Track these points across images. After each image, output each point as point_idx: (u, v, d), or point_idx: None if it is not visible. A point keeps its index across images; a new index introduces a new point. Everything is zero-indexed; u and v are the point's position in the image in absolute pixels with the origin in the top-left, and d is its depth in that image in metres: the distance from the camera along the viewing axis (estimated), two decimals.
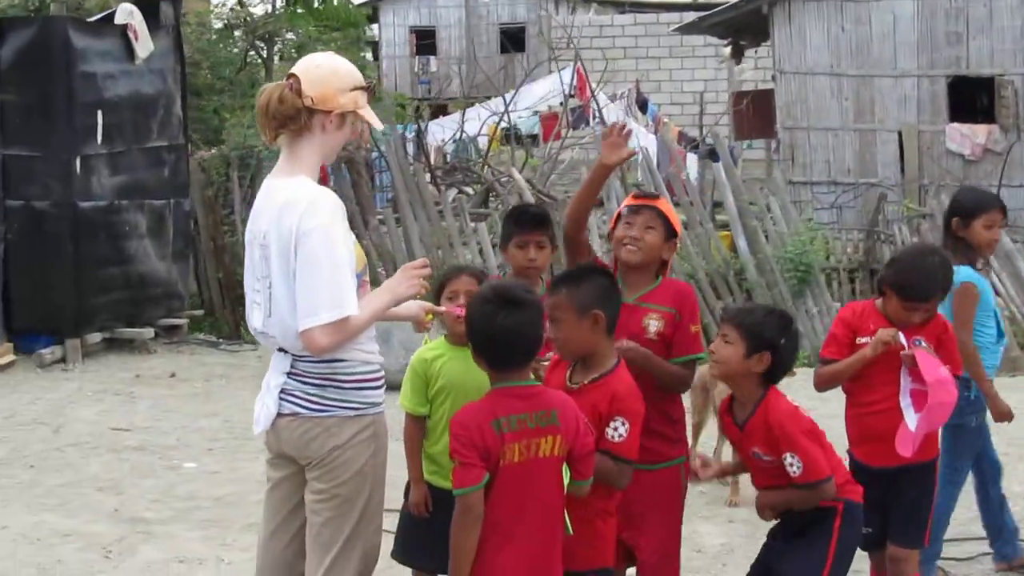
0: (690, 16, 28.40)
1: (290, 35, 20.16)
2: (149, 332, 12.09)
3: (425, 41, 43.04)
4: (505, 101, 19.86)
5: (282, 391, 4.37)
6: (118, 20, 12.14)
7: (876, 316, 5.24)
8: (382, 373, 4.43)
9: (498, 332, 4.02)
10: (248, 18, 18.61)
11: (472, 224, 14.36)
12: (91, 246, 11.74)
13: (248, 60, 19.28)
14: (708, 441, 8.34)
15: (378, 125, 4.54)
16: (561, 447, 4.04)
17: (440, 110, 31.91)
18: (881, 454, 5.20)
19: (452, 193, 17.44)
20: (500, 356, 4.07)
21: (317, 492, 4.36)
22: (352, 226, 14.25)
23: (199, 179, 16.00)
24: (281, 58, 20.85)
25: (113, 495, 8.07)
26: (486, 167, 18.95)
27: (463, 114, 21.09)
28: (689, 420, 8.31)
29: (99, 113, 11.74)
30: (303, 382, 4.34)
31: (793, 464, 4.55)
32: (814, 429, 4.65)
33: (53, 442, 9.31)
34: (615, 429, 4.35)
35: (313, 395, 4.32)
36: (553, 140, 22.80)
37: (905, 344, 5.10)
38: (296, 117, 4.31)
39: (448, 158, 20.62)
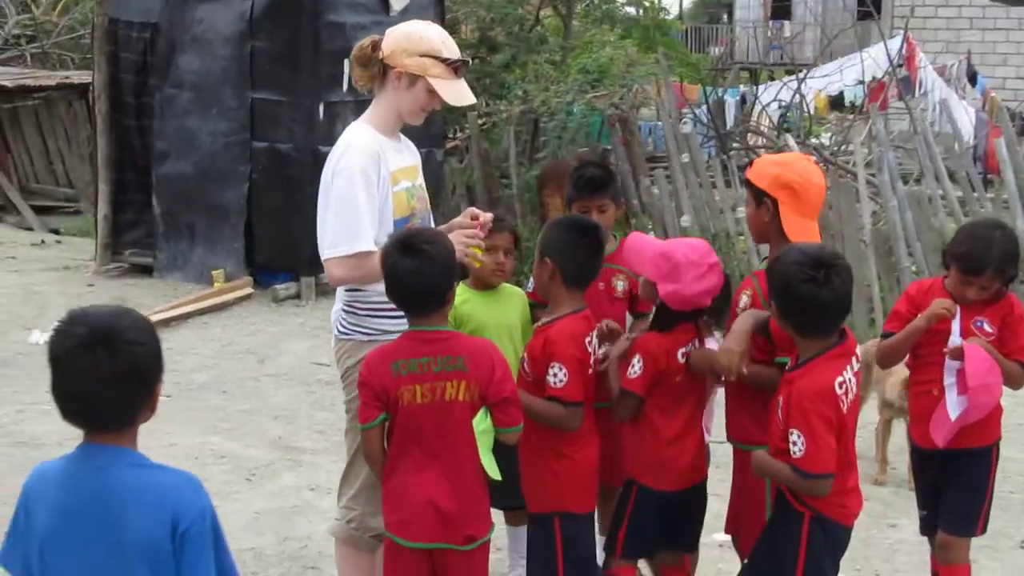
0: None
1: None
2: None
3: (780, 4, 42.39)
4: (795, 77, 19.32)
5: (337, 315, 4.83)
6: None
7: (941, 292, 4.95)
8: None
9: (396, 277, 4.18)
10: None
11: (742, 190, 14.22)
12: None
13: (541, 18, 19.52)
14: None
15: (450, 100, 4.77)
16: (468, 392, 4.13)
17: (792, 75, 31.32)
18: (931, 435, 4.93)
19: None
20: (404, 300, 4.23)
21: (344, 403, 4.81)
22: (623, 186, 14.61)
23: (476, 132, 16.47)
24: (585, 16, 21.01)
25: (284, 424, 8.45)
26: (780, 135, 18.64)
27: (756, 83, 20.71)
28: None
29: (346, 62, 12.12)
30: (341, 308, 4.78)
31: (796, 443, 4.08)
32: (838, 419, 4.12)
33: (254, 372, 9.79)
34: (554, 375, 4.48)
35: (343, 320, 4.77)
36: (878, 110, 22.18)
37: (958, 321, 4.81)
38: (370, 66, 4.80)
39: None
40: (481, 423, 4.16)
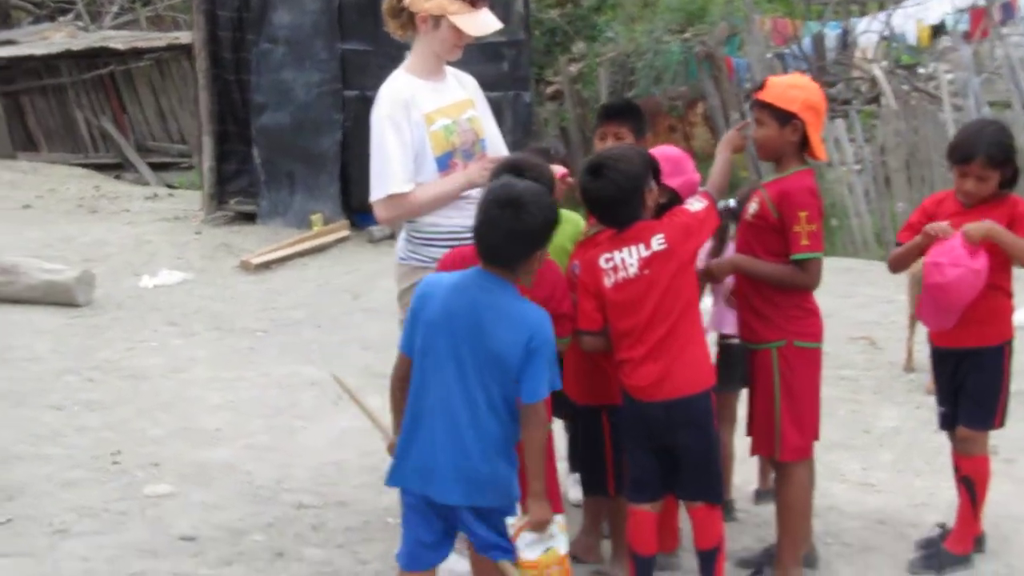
0: None
1: None
2: None
3: None
4: (888, 10, 19.24)
5: (401, 242, 5.22)
6: None
7: (953, 203, 5.23)
8: (455, 235, 4.98)
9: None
10: None
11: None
12: None
13: None
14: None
15: (472, 32, 5.04)
16: None
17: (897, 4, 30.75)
18: (945, 335, 5.25)
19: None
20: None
21: (398, 321, 5.04)
22: (713, 120, 14.78)
23: (568, 74, 16.82)
24: None
25: (373, 353, 8.89)
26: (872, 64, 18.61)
27: (862, 15, 20.64)
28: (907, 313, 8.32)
29: None
30: (404, 236, 5.17)
31: None
32: (596, 287, 4.74)
33: (348, 307, 10.31)
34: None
35: (404, 246, 5.16)
36: (979, 36, 22.01)
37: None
38: (398, 15, 5.12)
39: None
40: None
